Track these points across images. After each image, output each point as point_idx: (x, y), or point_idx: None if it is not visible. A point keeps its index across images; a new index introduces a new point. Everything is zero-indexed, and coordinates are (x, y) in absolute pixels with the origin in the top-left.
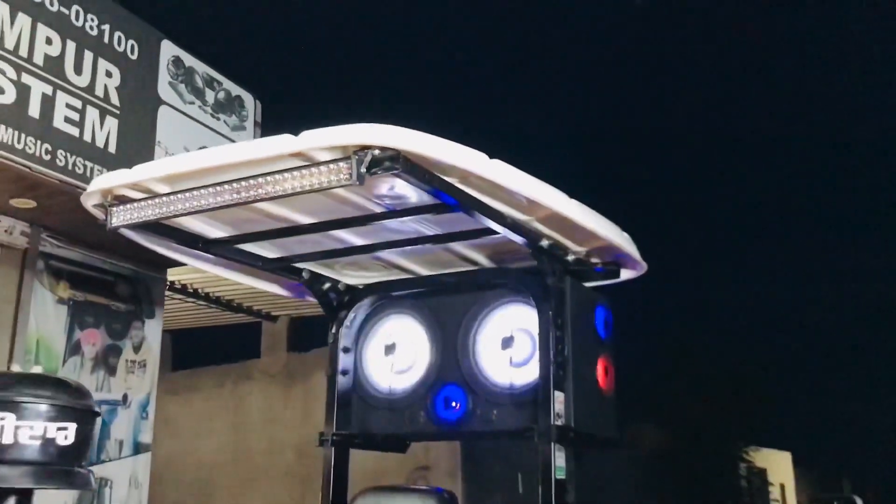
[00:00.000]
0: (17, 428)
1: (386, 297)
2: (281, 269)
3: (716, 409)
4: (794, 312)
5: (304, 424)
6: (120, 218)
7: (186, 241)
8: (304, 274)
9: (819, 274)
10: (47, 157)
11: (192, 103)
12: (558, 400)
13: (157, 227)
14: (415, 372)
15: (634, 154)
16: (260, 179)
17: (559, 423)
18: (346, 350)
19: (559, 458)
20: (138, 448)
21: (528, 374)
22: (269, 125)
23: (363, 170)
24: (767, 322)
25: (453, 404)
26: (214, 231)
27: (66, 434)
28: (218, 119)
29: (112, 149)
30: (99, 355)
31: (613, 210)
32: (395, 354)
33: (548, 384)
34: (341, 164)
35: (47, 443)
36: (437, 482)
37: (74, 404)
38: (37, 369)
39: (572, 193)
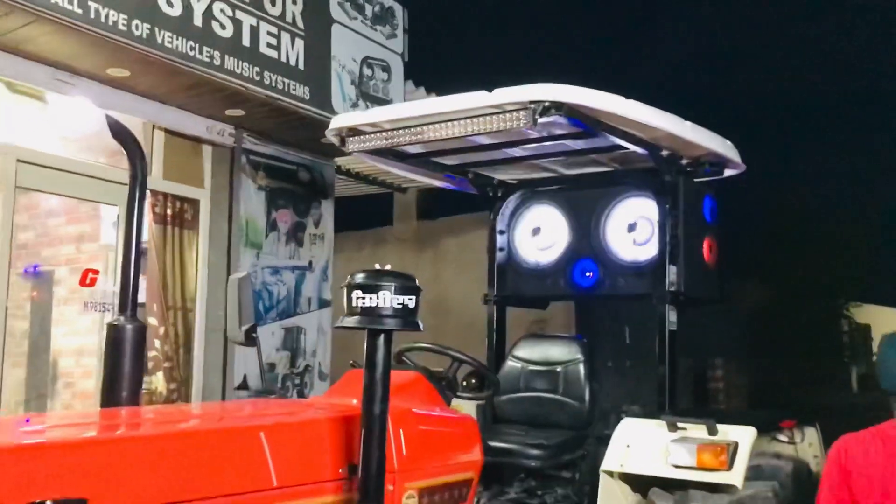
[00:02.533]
0: (392, 297)
1: (533, 190)
2: (456, 172)
3: (818, 268)
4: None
5: (434, 285)
6: (354, 145)
7: (395, 156)
8: (469, 174)
9: None
10: (257, 78)
11: (356, 18)
12: (672, 272)
13: (377, 150)
14: (556, 249)
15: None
16: (462, 122)
17: (672, 289)
18: (501, 232)
19: (671, 315)
20: (322, 303)
21: (648, 251)
22: (415, 33)
23: (537, 117)
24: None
25: (587, 273)
26: (415, 149)
27: (412, 300)
28: (375, 30)
29: (301, 66)
30: (290, 231)
31: (720, 117)
32: (540, 235)
33: (664, 259)
34: (521, 112)
35: (403, 305)
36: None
37: (414, 284)
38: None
39: (684, 111)
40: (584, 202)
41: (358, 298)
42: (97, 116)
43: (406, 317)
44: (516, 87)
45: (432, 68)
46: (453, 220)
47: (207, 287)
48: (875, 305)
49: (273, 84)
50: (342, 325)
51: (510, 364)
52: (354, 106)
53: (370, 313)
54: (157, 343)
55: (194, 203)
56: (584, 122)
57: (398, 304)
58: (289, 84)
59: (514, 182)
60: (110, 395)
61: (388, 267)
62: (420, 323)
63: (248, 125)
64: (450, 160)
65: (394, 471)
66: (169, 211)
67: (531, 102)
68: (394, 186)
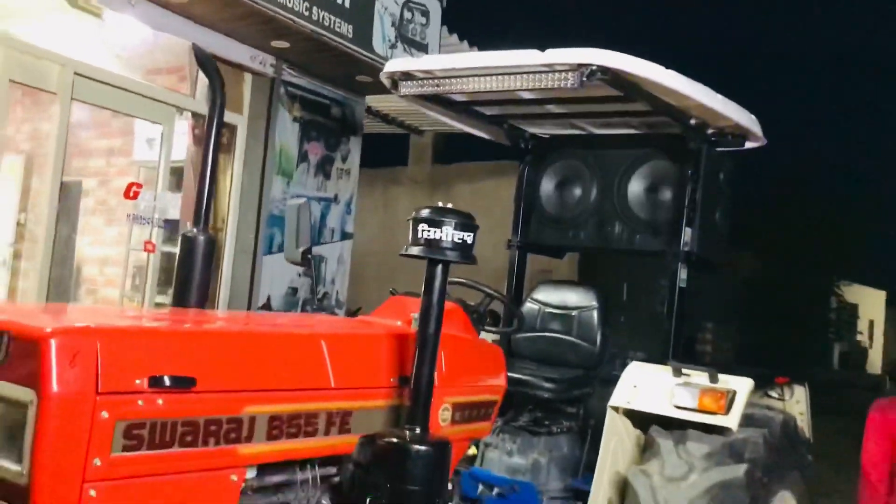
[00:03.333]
0: (452, 233)
1: (563, 146)
2: (493, 123)
3: (814, 244)
4: None
5: None
6: (406, 89)
7: (439, 102)
8: (505, 126)
9: None
10: (305, 13)
11: None
12: (687, 233)
13: (426, 95)
14: (579, 203)
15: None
16: (511, 77)
17: (686, 248)
18: (529, 182)
19: (682, 273)
20: (344, 235)
21: (666, 212)
22: None
23: (584, 79)
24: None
25: (607, 228)
26: (459, 97)
27: (470, 236)
28: None
29: (347, 4)
30: (319, 163)
31: (746, 91)
32: (565, 188)
33: (680, 220)
34: (568, 73)
35: (462, 241)
36: None
37: (473, 223)
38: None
39: (713, 82)
40: (611, 161)
41: (423, 231)
42: (149, 37)
43: (464, 251)
44: (567, 50)
45: (466, 17)
46: (466, 166)
47: (239, 209)
48: (864, 286)
49: (320, 20)
50: (407, 254)
51: (528, 306)
52: (393, 48)
53: (432, 245)
54: None
55: (232, 128)
56: (626, 88)
57: (458, 239)
58: (334, 21)
59: (546, 136)
60: (182, 299)
61: (449, 205)
62: (475, 257)
63: (289, 57)
64: (489, 110)
65: (435, 385)
66: None
67: (579, 65)
68: (412, 128)
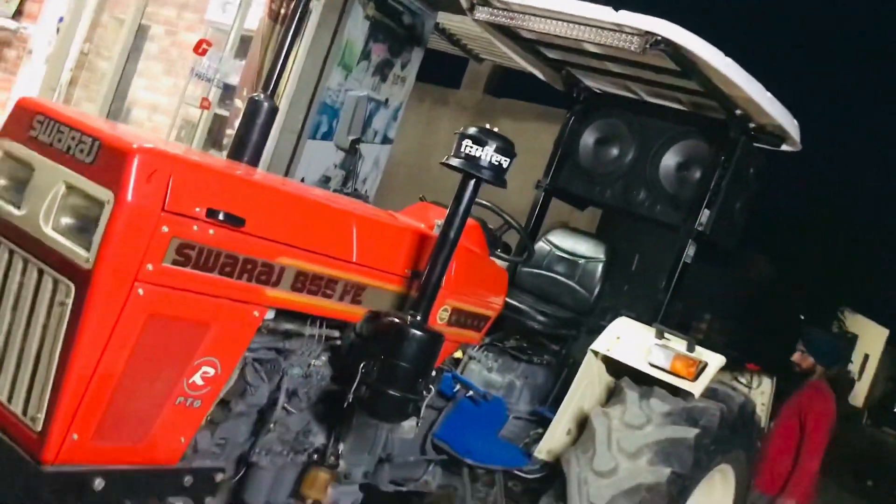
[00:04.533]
0: (491, 155)
1: (611, 104)
2: (552, 66)
3: (830, 263)
4: None
5: None
6: (480, 14)
7: (507, 34)
8: (563, 72)
9: None
10: None
11: None
12: (704, 214)
13: (498, 24)
14: (613, 162)
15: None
16: (580, 27)
17: (699, 228)
18: (571, 131)
19: (690, 250)
20: (385, 140)
21: (691, 190)
22: None
23: (647, 47)
24: None
25: (633, 192)
26: (527, 34)
27: (507, 161)
28: None
29: None
30: (379, 65)
31: (790, 99)
32: (603, 145)
33: (702, 201)
34: (634, 37)
35: (499, 164)
36: None
37: (512, 150)
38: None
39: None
40: (652, 130)
41: (466, 146)
42: None
43: (498, 173)
44: (639, 15)
45: None
46: (515, 103)
47: (295, 90)
48: (869, 320)
49: None
50: (446, 163)
51: (540, 245)
52: None
53: (472, 160)
54: (236, 124)
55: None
56: (683, 64)
57: (496, 161)
58: None
59: (598, 91)
60: (237, 156)
61: (495, 129)
62: (506, 182)
63: None
64: (552, 53)
65: (441, 286)
66: (283, 10)
67: (646, 32)
68: (472, 54)
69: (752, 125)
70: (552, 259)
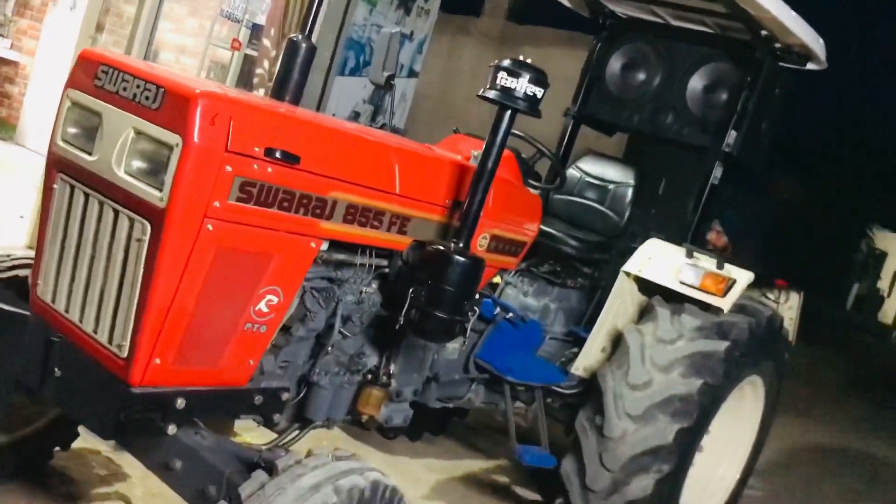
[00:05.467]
0: (525, 85)
1: (638, 28)
2: None
3: (858, 181)
4: None
5: None
6: None
7: None
8: None
9: None
10: None
11: None
12: (731, 135)
13: None
14: (640, 87)
15: None
16: None
17: (727, 150)
18: (598, 58)
19: (717, 171)
20: (411, 73)
21: (718, 112)
22: None
23: None
24: None
25: (661, 116)
26: None
27: (541, 92)
28: None
29: None
30: None
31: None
32: (630, 70)
33: (729, 121)
34: None
35: (534, 94)
36: None
37: (546, 80)
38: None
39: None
40: (678, 53)
41: (502, 78)
42: None
43: (532, 103)
44: None
45: None
46: (538, 29)
47: (321, 28)
48: None
49: None
50: (483, 96)
51: (571, 171)
52: None
53: (507, 92)
54: (265, 63)
55: None
56: None
57: (531, 92)
58: None
59: (624, 17)
60: (279, 95)
61: (529, 60)
62: (540, 112)
63: None
64: None
65: (481, 214)
66: None
67: None
68: None
69: (777, 45)
70: (582, 185)
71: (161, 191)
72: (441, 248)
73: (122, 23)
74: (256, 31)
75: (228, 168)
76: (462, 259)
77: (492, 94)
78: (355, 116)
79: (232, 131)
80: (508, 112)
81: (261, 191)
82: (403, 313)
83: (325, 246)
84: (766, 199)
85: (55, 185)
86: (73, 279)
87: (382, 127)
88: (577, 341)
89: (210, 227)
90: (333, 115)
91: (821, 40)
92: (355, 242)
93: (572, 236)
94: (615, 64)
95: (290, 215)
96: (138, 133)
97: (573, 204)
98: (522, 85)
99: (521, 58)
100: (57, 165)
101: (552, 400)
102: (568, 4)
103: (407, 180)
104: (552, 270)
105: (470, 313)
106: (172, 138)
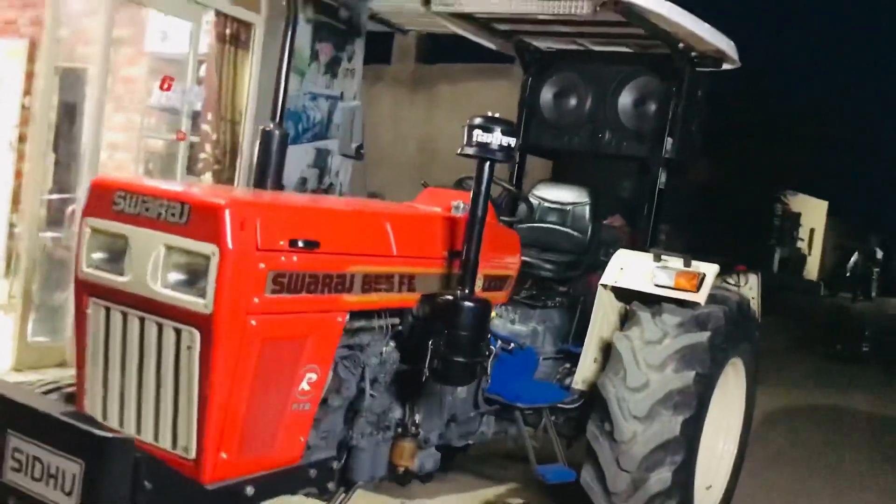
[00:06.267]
0: (500, 138)
1: (563, 60)
2: (503, 37)
3: (766, 154)
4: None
5: (425, 126)
6: (438, 6)
7: (460, 17)
8: (514, 40)
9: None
10: None
11: None
12: (668, 142)
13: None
14: (574, 111)
15: None
16: (533, 2)
17: (667, 155)
18: (531, 91)
19: (662, 177)
20: None
21: (650, 122)
22: None
23: (598, 8)
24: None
25: (598, 135)
26: (481, 15)
27: (513, 141)
28: None
29: None
30: (328, 63)
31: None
32: (563, 98)
33: (663, 130)
34: (582, 2)
35: (508, 145)
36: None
37: (514, 129)
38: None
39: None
40: (604, 76)
41: (477, 135)
42: None
43: (508, 153)
44: None
45: None
46: (450, 66)
47: (257, 103)
48: (808, 196)
49: None
50: (463, 153)
51: (530, 200)
52: None
53: (484, 147)
54: (207, 147)
55: (249, 26)
56: (630, 16)
57: (505, 143)
58: None
59: (549, 51)
60: (259, 183)
61: (497, 115)
62: (515, 158)
63: None
64: (503, 27)
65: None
66: (228, 31)
67: None
68: (396, 27)
69: (693, 54)
70: (543, 211)
71: (204, 298)
72: (450, 297)
73: (43, 129)
74: (196, 118)
75: (262, 265)
76: (471, 304)
77: (470, 150)
78: (303, 182)
79: (260, 231)
80: (487, 164)
81: (290, 279)
82: (427, 364)
83: (348, 317)
84: (688, 186)
85: (88, 310)
86: (122, 394)
87: (328, 190)
88: (567, 357)
89: (253, 322)
90: (282, 185)
91: (731, 43)
92: (373, 308)
93: (545, 260)
94: (547, 94)
95: (318, 296)
96: (169, 248)
97: (537, 230)
98: (497, 138)
99: (490, 113)
100: (87, 290)
101: (556, 417)
102: (495, 48)
103: (408, 242)
104: (530, 295)
105: (487, 353)
106: (207, 248)
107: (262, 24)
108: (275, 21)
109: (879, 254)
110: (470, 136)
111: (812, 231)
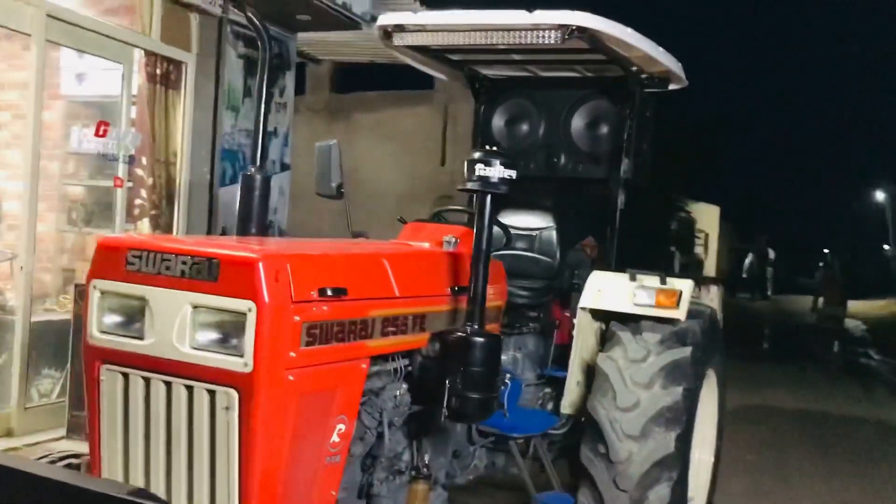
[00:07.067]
0: (500, 171)
1: (514, 87)
2: (455, 67)
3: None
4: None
5: (346, 154)
6: (399, 40)
7: (419, 51)
8: (465, 69)
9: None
10: None
11: None
12: (625, 163)
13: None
14: (528, 135)
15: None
16: (498, 33)
17: (625, 176)
18: (484, 119)
19: (622, 197)
20: (283, 167)
21: (604, 144)
22: None
23: (565, 37)
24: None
25: (553, 159)
26: (436, 47)
27: (513, 173)
28: None
29: None
30: None
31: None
32: (516, 124)
33: (619, 152)
34: (550, 32)
35: (509, 177)
36: None
37: (514, 162)
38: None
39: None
40: (556, 100)
41: (479, 169)
42: None
43: (509, 185)
44: (553, 11)
45: None
46: (365, 95)
47: (192, 143)
48: (701, 203)
49: None
50: (465, 189)
51: (495, 228)
52: None
53: (485, 180)
54: (143, 192)
55: (179, 65)
56: (595, 44)
57: (506, 175)
58: None
59: (500, 78)
60: (244, 229)
61: (494, 148)
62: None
63: None
64: (454, 56)
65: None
66: (158, 70)
67: (560, 25)
68: (309, 57)
69: (644, 76)
70: (510, 238)
71: (242, 356)
72: (462, 334)
73: None
74: (131, 164)
75: (297, 318)
76: (483, 340)
77: (472, 185)
78: None
79: (293, 283)
80: (489, 197)
81: (322, 330)
82: (445, 404)
83: (370, 363)
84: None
85: (102, 378)
86: (147, 462)
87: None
88: (548, 382)
89: (290, 377)
90: (223, 227)
91: (679, 63)
92: (390, 352)
93: (518, 286)
94: (499, 121)
95: (346, 344)
96: (196, 307)
97: (505, 257)
98: (498, 171)
99: (488, 147)
100: (99, 357)
101: (546, 442)
102: (445, 78)
103: (417, 281)
104: (505, 323)
105: (502, 386)
106: (243, 305)
107: (192, 62)
108: (206, 58)
109: (772, 254)
110: (471, 170)
111: (707, 235)
